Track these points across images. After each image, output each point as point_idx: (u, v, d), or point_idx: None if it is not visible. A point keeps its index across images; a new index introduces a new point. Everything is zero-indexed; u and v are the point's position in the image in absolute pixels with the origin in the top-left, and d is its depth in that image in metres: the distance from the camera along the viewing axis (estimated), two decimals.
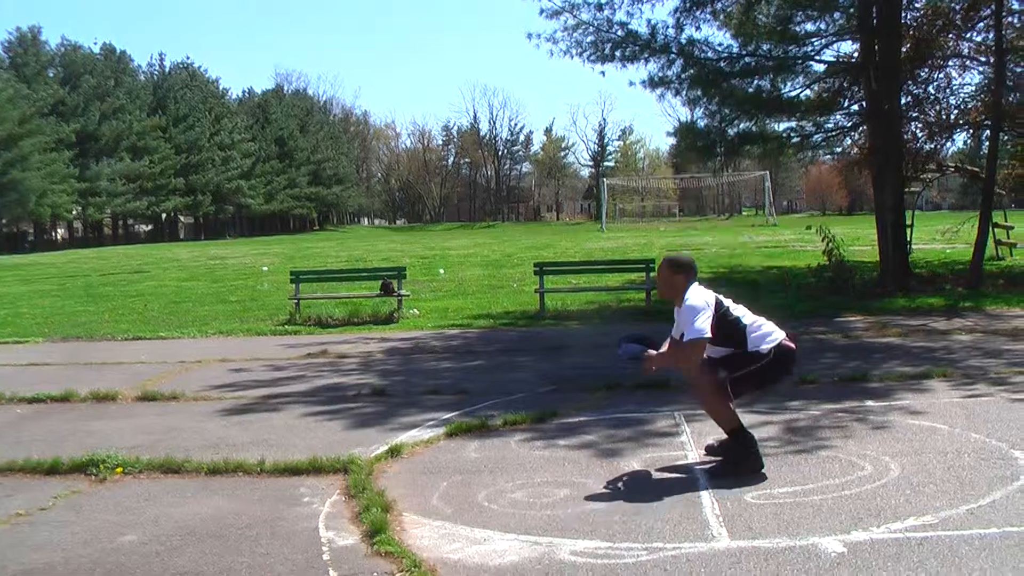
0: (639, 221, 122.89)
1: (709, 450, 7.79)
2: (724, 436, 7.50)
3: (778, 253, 37.60)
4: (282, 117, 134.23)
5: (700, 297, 7.30)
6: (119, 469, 8.08)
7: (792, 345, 7.49)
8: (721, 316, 7.26)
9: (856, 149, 28.56)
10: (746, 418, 9.01)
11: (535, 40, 22.46)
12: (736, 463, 7.37)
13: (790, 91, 23.78)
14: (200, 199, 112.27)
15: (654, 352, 7.49)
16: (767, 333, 7.38)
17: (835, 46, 25.30)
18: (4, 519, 7.01)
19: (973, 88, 25.77)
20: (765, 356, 7.29)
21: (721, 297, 7.49)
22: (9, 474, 8.23)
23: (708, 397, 7.37)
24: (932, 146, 25.87)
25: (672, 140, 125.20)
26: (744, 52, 23.15)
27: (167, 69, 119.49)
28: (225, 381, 12.74)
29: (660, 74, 22.68)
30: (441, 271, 33.41)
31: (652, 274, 20.07)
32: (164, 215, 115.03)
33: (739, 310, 7.46)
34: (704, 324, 7.12)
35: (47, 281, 37.80)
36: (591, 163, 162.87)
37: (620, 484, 7.30)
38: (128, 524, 6.76)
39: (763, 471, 7.31)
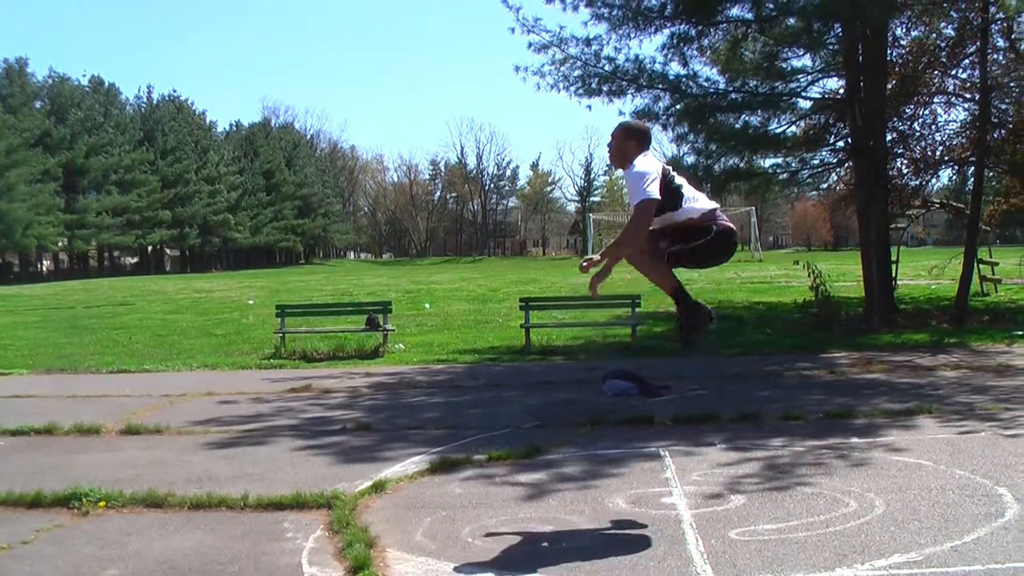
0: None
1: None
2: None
3: (764, 288, 37.65)
4: (269, 150, 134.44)
5: (648, 163, 7.14)
6: (102, 503, 8.04)
7: (731, 226, 7.46)
8: (665, 183, 7.09)
9: (842, 185, 28.69)
10: (731, 455, 9.03)
11: (523, 73, 22.49)
12: (689, 322, 7.59)
13: (777, 127, 23.87)
14: (187, 232, 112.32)
15: (593, 256, 7.36)
16: (703, 205, 7.31)
17: (821, 83, 25.42)
18: None
19: (958, 125, 25.91)
20: (707, 231, 7.26)
21: (668, 167, 7.40)
22: None
23: (647, 263, 7.39)
24: (917, 182, 26.00)
25: None
26: (731, 88, 23.24)
27: (155, 101, 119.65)
28: (210, 415, 12.69)
29: (647, 108, 22.76)
30: (427, 306, 33.39)
31: (638, 309, 20.12)
32: (150, 247, 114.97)
33: (683, 181, 7.35)
34: (652, 188, 6.93)
35: (32, 313, 37.71)
36: (577, 198, 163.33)
37: (604, 520, 7.28)
38: (110, 558, 6.73)
39: (711, 318, 7.53)
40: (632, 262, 7.46)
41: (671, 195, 7.15)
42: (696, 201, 7.29)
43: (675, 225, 7.24)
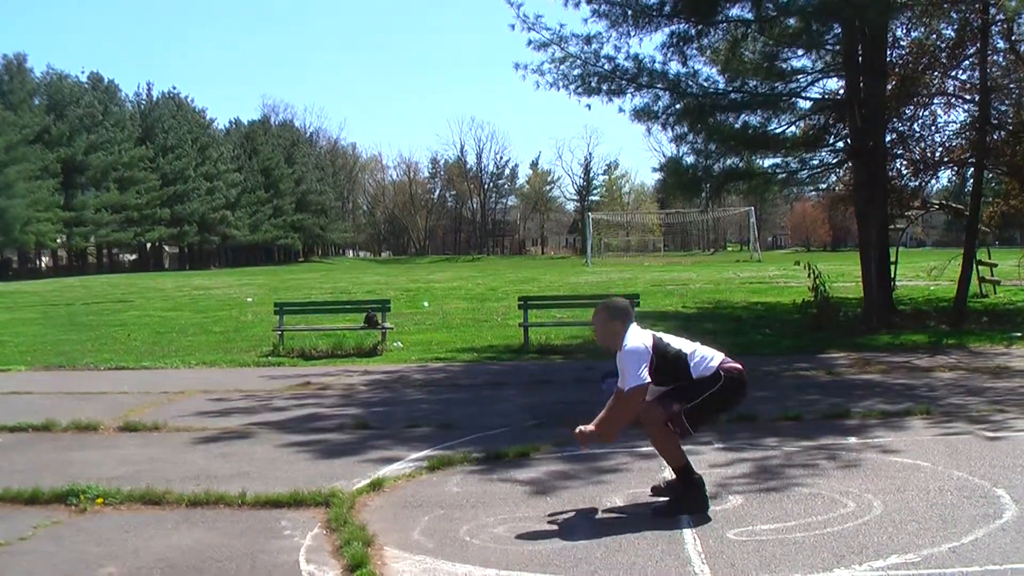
0: (624, 256, 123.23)
1: (655, 491, 7.75)
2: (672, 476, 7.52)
3: (763, 289, 37.68)
4: (268, 147, 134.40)
5: (638, 340, 7.27)
6: (100, 500, 8.03)
7: (739, 367, 7.47)
8: (661, 355, 7.23)
9: (841, 185, 28.72)
10: (728, 455, 9.03)
11: (522, 71, 22.46)
12: (681, 502, 7.35)
13: (776, 127, 23.90)
14: (186, 229, 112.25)
15: (588, 428, 7.40)
16: (709, 358, 7.37)
17: (821, 83, 25.44)
18: None
19: (958, 126, 25.93)
20: (716, 380, 7.27)
21: (658, 334, 7.48)
22: None
23: (658, 433, 7.36)
24: (917, 183, 26.02)
25: (658, 175, 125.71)
26: (731, 88, 23.24)
27: (155, 99, 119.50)
28: (208, 412, 12.69)
29: (647, 108, 22.75)
30: (425, 304, 33.39)
31: (637, 309, 20.08)
32: (149, 245, 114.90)
33: (678, 342, 7.44)
34: (644, 372, 7.08)
35: (30, 309, 37.69)
36: (576, 197, 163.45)
37: (602, 520, 7.28)
38: (108, 555, 6.72)
39: (707, 510, 7.26)
40: (648, 432, 7.52)
41: (673, 362, 7.29)
42: (700, 357, 7.37)
43: (685, 386, 7.32)
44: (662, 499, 7.56)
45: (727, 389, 7.33)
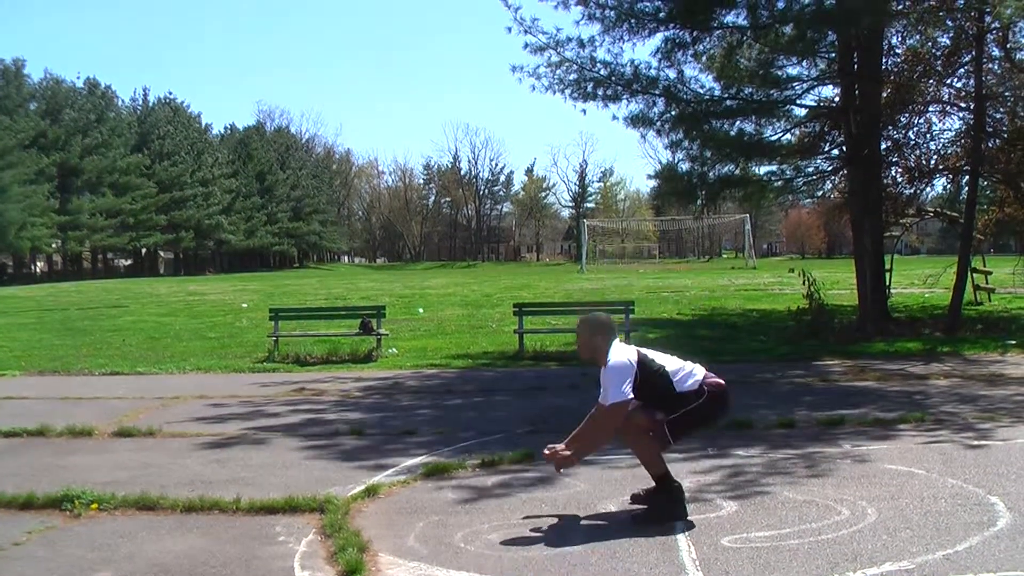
0: (619, 262, 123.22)
1: (634, 498, 7.73)
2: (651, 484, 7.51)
3: (758, 296, 37.72)
4: (263, 153, 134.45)
5: (623, 356, 7.28)
6: (94, 505, 8.03)
7: (721, 383, 7.47)
8: (645, 370, 7.24)
9: (836, 193, 28.73)
10: (723, 461, 9.03)
11: (519, 74, 22.47)
12: (659, 510, 7.35)
13: (771, 135, 23.88)
14: (181, 235, 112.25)
15: (560, 449, 7.44)
16: (692, 374, 7.38)
17: (816, 90, 25.45)
18: None
19: (953, 134, 26.00)
20: (699, 395, 7.28)
21: (642, 349, 7.51)
22: None
23: (638, 440, 7.38)
24: (912, 191, 26.05)
25: (653, 182, 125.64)
26: (726, 95, 23.24)
27: (151, 104, 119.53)
28: (202, 418, 12.69)
29: (642, 114, 22.76)
30: (420, 310, 33.39)
31: (632, 316, 20.13)
32: (144, 250, 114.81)
33: (661, 358, 7.45)
34: (628, 388, 7.10)
35: (25, 314, 37.66)
36: (571, 204, 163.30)
37: (597, 526, 7.28)
38: (102, 561, 6.72)
39: (685, 519, 7.26)
40: (629, 440, 7.53)
41: (656, 378, 7.28)
42: (684, 374, 7.38)
43: (671, 397, 7.32)
44: (641, 507, 7.57)
45: (710, 404, 7.34)
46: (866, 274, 21.90)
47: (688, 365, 7.46)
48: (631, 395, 7.08)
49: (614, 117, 23.21)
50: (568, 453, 7.39)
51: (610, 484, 8.44)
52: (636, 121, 22.83)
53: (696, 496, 7.94)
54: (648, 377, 7.22)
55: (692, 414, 7.28)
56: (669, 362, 7.42)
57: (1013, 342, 18.72)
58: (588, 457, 8.81)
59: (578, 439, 7.49)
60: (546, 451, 7.45)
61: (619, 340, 7.53)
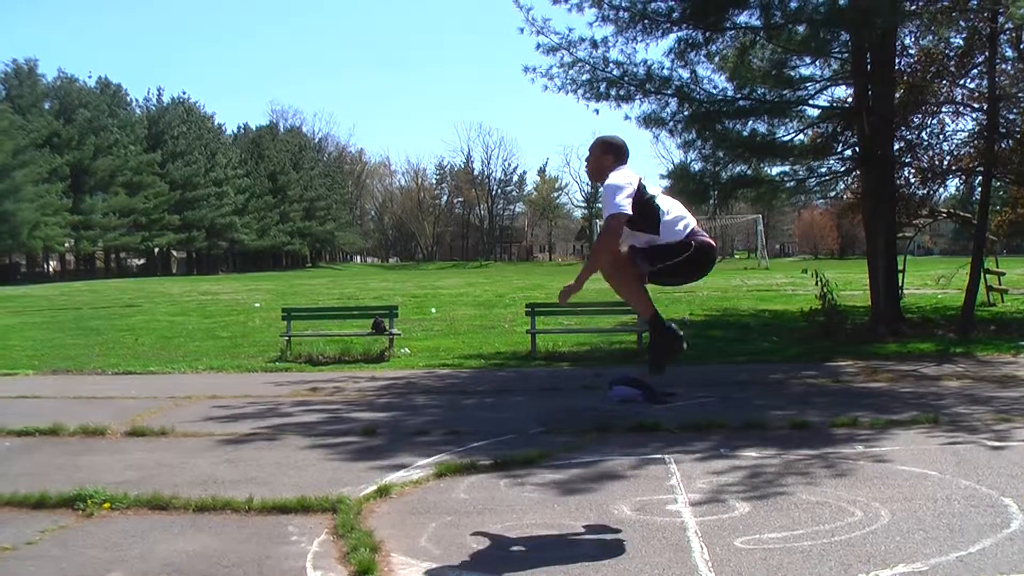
0: None
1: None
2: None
3: (770, 296, 37.62)
4: (276, 153, 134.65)
5: (623, 176, 7.16)
6: (106, 504, 8.04)
7: (711, 242, 7.37)
8: (640, 197, 7.08)
9: (849, 194, 28.65)
10: (736, 462, 9.01)
11: (531, 74, 22.42)
12: (656, 352, 7.44)
13: (784, 135, 23.81)
14: (194, 234, 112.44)
15: (570, 284, 7.32)
16: (682, 219, 7.22)
17: (829, 91, 25.37)
18: None
19: (966, 134, 25.88)
20: (685, 247, 7.15)
21: (644, 179, 7.39)
22: None
23: (625, 284, 7.38)
24: (925, 191, 25.95)
25: (666, 183, 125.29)
26: (739, 95, 23.19)
27: (164, 104, 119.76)
28: (215, 417, 12.70)
29: (655, 114, 22.72)
30: (433, 310, 33.37)
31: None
32: (157, 249, 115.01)
33: (656, 192, 7.32)
34: (624, 201, 6.96)
35: (38, 313, 37.75)
36: (584, 204, 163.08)
37: (609, 527, 7.26)
38: (114, 560, 6.73)
39: (684, 348, 7.41)
40: (611, 283, 7.47)
41: (645, 208, 7.12)
42: (672, 216, 7.23)
43: (656, 246, 7.22)
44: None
45: (694, 260, 7.22)
46: (879, 275, 21.85)
47: (681, 210, 7.31)
48: (627, 208, 6.94)
49: (627, 117, 23.20)
50: (574, 283, 7.26)
51: (623, 485, 8.42)
52: (649, 121, 22.80)
53: (709, 497, 7.94)
54: (638, 206, 7.05)
55: (675, 267, 7.21)
56: (664, 201, 7.27)
57: None
58: (599, 460, 8.83)
59: (582, 271, 7.37)
60: (563, 293, 7.32)
61: (627, 167, 7.41)
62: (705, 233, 7.36)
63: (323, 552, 6.80)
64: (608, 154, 7.40)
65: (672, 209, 7.24)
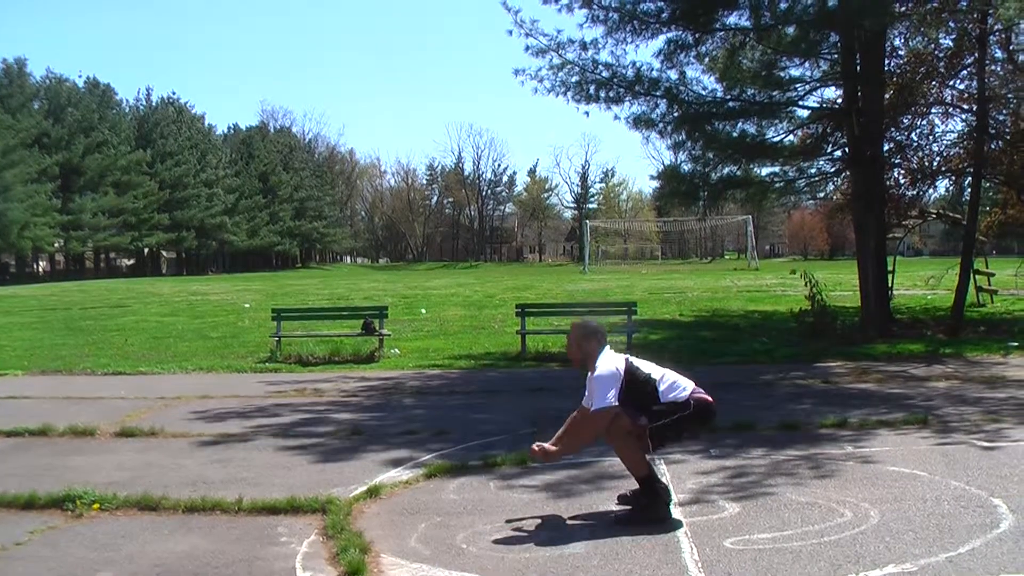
0: (621, 263, 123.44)
1: (621, 499, 7.75)
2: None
3: (760, 297, 37.70)
4: (266, 153, 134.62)
5: (611, 364, 7.37)
6: (96, 505, 8.03)
7: (709, 399, 7.51)
8: (632, 378, 7.31)
9: (839, 195, 28.69)
10: (725, 463, 9.02)
11: (521, 77, 22.37)
12: (643, 512, 7.38)
13: (774, 136, 23.80)
14: (184, 235, 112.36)
15: (548, 447, 7.48)
16: (678, 385, 7.43)
17: (819, 92, 25.37)
18: None
19: (956, 135, 25.91)
20: (685, 406, 7.33)
21: (630, 358, 7.57)
22: None
23: (622, 442, 7.39)
24: (914, 192, 25.97)
25: (656, 183, 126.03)
26: (729, 96, 23.19)
27: (154, 103, 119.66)
28: (205, 418, 12.69)
29: (644, 115, 22.70)
30: (423, 311, 33.39)
31: (635, 316, 20.12)
32: (147, 250, 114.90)
33: (649, 367, 7.53)
34: (613, 396, 7.19)
35: (27, 313, 37.69)
36: (574, 205, 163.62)
37: (600, 528, 7.26)
38: (104, 561, 6.72)
39: (668, 521, 7.29)
40: (613, 442, 7.52)
41: (642, 385, 7.36)
42: (669, 383, 7.43)
43: (655, 410, 7.36)
44: (626, 508, 7.58)
45: (695, 416, 7.38)
46: (868, 275, 21.86)
47: (676, 376, 7.52)
48: (615, 403, 7.17)
49: (616, 118, 23.25)
50: (554, 449, 7.45)
51: (612, 485, 8.42)
52: (639, 123, 22.79)
53: (698, 497, 7.96)
54: (634, 384, 7.30)
55: (677, 423, 7.34)
56: (656, 371, 7.49)
57: (1015, 344, 18.68)
58: (589, 461, 8.84)
59: (562, 440, 7.56)
60: (534, 447, 7.47)
61: (609, 348, 7.56)
62: (702, 392, 7.54)
63: (313, 553, 6.81)
64: (591, 340, 7.62)
65: (667, 376, 7.50)
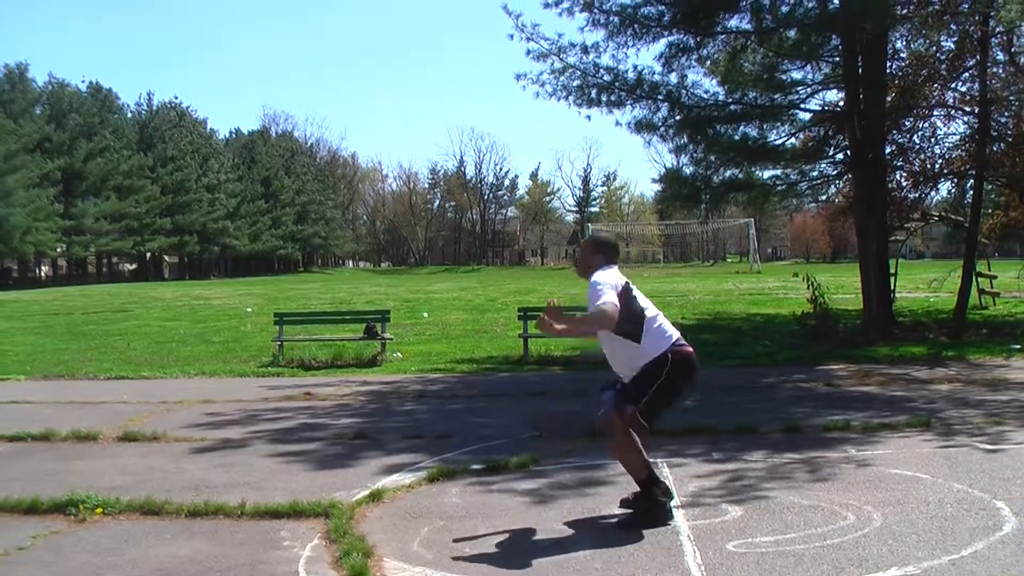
0: (623, 267, 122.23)
1: (623, 503, 7.74)
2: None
3: (762, 300, 37.64)
4: (267, 157, 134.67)
5: (612, 276, 7.31)
6: (99, 510, 8.03)
7: (690, 350, 7.42)
8: (626, 299, 7.18)
9: (841, 197, 28.63)
10: (728, 466, 9.01)
11: (523, 81, 22.36)
12: (644, 515, 7.37)
13: (776, 139, 23.77)
14: (186, 239, 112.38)
15: (555, 322, 7.16)
16: (664, 331, 7.36)
17: (821, 95, 25.33)
18: None
19: (958, 138, 25.86)
20: (663, 365, 7.21)
21: (633, 286, 7.47)
22: None
23: (622, 444, 7.32)
24: (916, 195, 25.93)
25: (657, 187, 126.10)
26: (730, 100, 23.18)
27: (155, 108, 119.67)
28: (207, 422, 12.68)
29: (646, 119, 22.69)
30: (425, 315, 33.37)
31: None
32: (149, 254, 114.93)
33: (646, 302, 7.45)
34: (611, 297, 7.03)
35: (30, 318, 37.67)
36: (576, 208, 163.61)
37: (602, 531, 7.26)
38: (107, 565, 6.72)
39: (670, 524, 7.28)
40: (614, 437, 7.43)
41: (632, 313, 7.27)
42: (657, 326, 7.39)
43: (637, 375, 7.30)
44: (627, 511, 7.57)
45: (674, 374, 7.26)
46: (871, 278, 21.84)
47: (665, 321, 7.45)
48: (616, 302, 7.01)
49: (618, 123, 23.18)
50: (561, 327, 7.21)
51: (614, 489, 8.41)
52: (640, 127, 22.78)
53: (701, 501, 7.96)
54: (626, 309, 7.14)
55: (659, 393, 7.23)
56: (652, 311, 7.42)
57: (1018, 346, 18.67)
58: (591, 464, 8.84)
59: (570, 322, 7.51)
60: (543, 316, 7.17)
61: (616, 268, 7.54)
62: (685, 343, 7.47)
63: (316, 557, 6.80)
64: (598, 253, 7.63)
65: (658, 318, 7.44)
